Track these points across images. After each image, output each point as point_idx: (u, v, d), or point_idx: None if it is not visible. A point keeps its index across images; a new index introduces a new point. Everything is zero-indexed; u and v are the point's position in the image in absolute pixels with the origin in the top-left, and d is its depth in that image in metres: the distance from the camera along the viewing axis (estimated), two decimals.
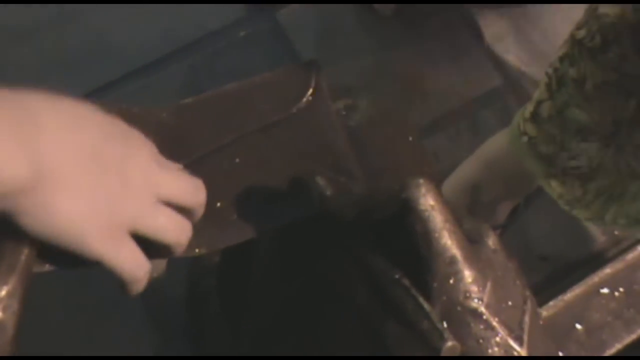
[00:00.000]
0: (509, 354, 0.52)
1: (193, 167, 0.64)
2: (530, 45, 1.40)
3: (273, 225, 0.64)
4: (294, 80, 0.68)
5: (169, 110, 0.66)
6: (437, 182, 0.58)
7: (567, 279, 0.79)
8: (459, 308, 0.52)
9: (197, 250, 0.61)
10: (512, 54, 1.40)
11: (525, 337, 0.53)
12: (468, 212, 0.94)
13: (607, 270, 0.79)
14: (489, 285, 0.53)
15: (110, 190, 0.51)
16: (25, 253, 0.51)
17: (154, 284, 0.56)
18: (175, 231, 0.56)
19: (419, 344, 0.52)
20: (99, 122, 0.54)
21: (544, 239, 1.23)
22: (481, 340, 0.51)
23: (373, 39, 1.36)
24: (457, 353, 0.51)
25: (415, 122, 0.95)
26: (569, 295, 0.78)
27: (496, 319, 0.52)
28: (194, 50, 1.32)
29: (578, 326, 0.76)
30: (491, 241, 0.58)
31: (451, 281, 0.52)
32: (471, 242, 0.56)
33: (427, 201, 0.54)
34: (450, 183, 1.02)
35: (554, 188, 0.77)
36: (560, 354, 0.73)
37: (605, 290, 0.78)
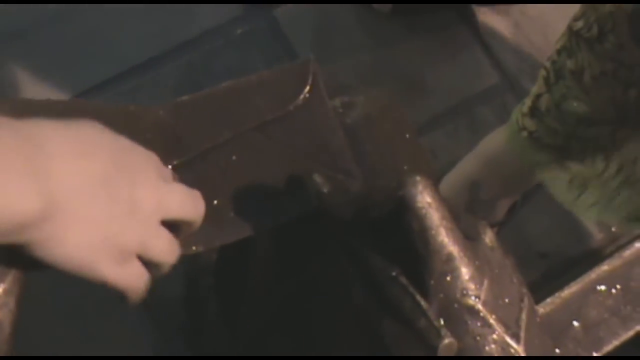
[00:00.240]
0: (506, 352, 0.52)
1: (190, 164, 0.64)
2: (528, 43, 1.40)
3: (270, 223, 0.64)
4: (291, 78, 0.68)
5: (165, 108, 0.66)
6: (434, 179, 0.58)
7: (565, 276, 0.79)
8: (456, 305, 0.52)
9: (194, 248, 0.61)
10: (510, 52, 1.40)
11: (522, 334, 0.53)
12: (466, 209, 0.94)
13: (605, 267, 0.78)
14: (486, 282, 0.53)
15: (120, 218, 0.52)
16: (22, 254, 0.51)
17: (151, 283, 0.57)
18: (168, 252, 0.57)
19: (416, 341, 0.52)
20: (106, 146, 0.53)
21: (541, 236, 1.23)
22: (478, 338, 0.51)
23: (370, 36, 1.37)
24: (454, 351, 0.51)
25: (413, 119, 0.94)
26: (566, 292, 0.77)
27: (493, 316, 0.52)
28: (190, 48, 1.32)
29: (575, 323, 0.76)
30: (488, 238, 0.58)
31: (448, 278, 0.52)
32: (468, 239, 0.56)
33: (424, 199, 0.54)
34: (449, 180, 1.02)
35: (570, 169, 0.77)
36: (557, 351, 0.73)
37: (602, 287, 0.77)
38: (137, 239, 0.53)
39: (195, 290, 0.89)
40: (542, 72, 0.77)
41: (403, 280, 0.54)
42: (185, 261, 0.60)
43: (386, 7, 1.36)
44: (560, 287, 0.79)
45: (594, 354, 0.74)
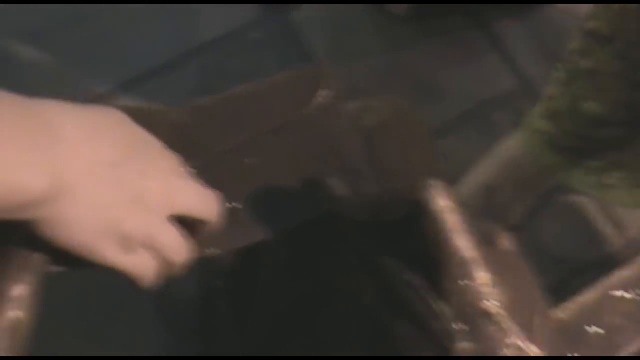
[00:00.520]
0: (521, 356, 0.51)
1: (205, 167, 0.64)
2: (544, 47, 1.40)
3: (284, 226, 0.64)
4: (306, 81, 0.68)
5: (182, 111, 0.66)
6: (450, 183, 0.57)
7: (581, 280, 0.79)
8: (471, 309, 0.52)
9: (209, 250, 0.61)
10: (526, 56, 1.39)
11: (538, 339, 0.53)
12: (481, 213, 0.94)
13: (622, 272, 0.78)
14: (501, 286, 0.53)
15: (124, 204, 0.52)
16: (38, 252, 0.52)
17: (163, 278, 0.57)
18: (178, 249, 0.57)
19: (430, 344, 0.51)
20: (120, 133, 0.54)
21: (558, 240, 1.22)
22: (493, 342, 0.51)
23: (386, 40, 1.36)
24: (469, 354, 0.51)
25: (427, 123, 0.94)
26: (583, 297, 0.77)
27: (508, 320, 0.52)
28: (206, 51, 1.32)
29: (591, 328, 0.75)
30: (504, 242, 0.58)
31: (463, 282, 0.52)
32: (484, 243, 0.55)
33: (440, 202, 0.54)
34: (464, 184, 1.02)
35: (592, 167, 0.76)
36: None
37: (620, 293, 0.77)
38: (141, 228, 0.53)
39: (208, 292, 0.90)
40: (557, 74, 0.77)
41: (417, 283, 0.54)
42: (198, 263, 0.60)
43: (401, 11, 1.36)
44: (576, 292, 0.78)
45: None
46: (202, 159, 0.64)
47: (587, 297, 0.77)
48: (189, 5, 1.34)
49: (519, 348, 0.52)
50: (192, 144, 0.65)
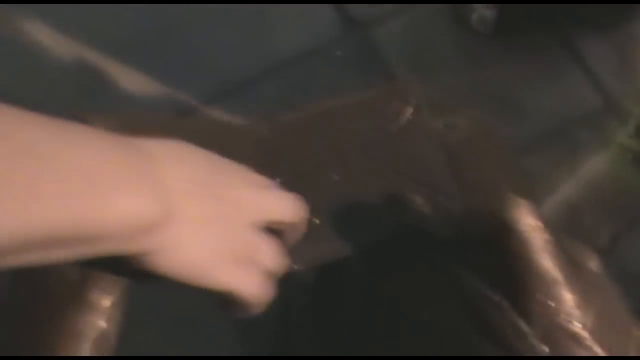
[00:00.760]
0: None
1: (291, 183, 0.64)
2: (631, 66, 1.37)
3: (367, 242, 0.64)
4: (393, 98, 0.68)
5: (267, 127, 0.67)
6: (534, 202, 0.57)
7: None
8: (559, 332, 0.51)
9: (295, 267, 0.62)
10: (612, 75, 1.37)
11: None
12: (568, 234, 0.92)
13: None
14: (591, 309, 0.52)
15: (229, 218, 0.52)
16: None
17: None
18: (277, 258, 0.56)
19: None
20: (200, 155, 0.54)
21: None
22: None
23: (469, 58, 1.36)
24: None
25: (511, 142, 0.93)
26: None
27: (599, 345, 0.51)
28: (289, 68, 1.34)
29: None
30: (594, 265, 0.57)
31: (552, 304, 0.51)
32: (571, 264, 0.54)
33: (528, 222, 0.53)
34: (550, 204, 1.00)
35: None
36: None
37: None
38: (248, 240, 0.53)
39: (287, 307, 0.90)
40: None
41: (504, 303, 0.53)
42: (281, 280, 0.60)
43: (486, 29, 1.35)
44: None
45: None
46: (285, 174, 0.64)
47: None
48: (270, 21, 1.36)
49: None
50: (276, 159, 0.65)
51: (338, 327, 0.78)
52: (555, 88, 1.35)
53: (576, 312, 0.51)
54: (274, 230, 0.57)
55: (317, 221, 0.63)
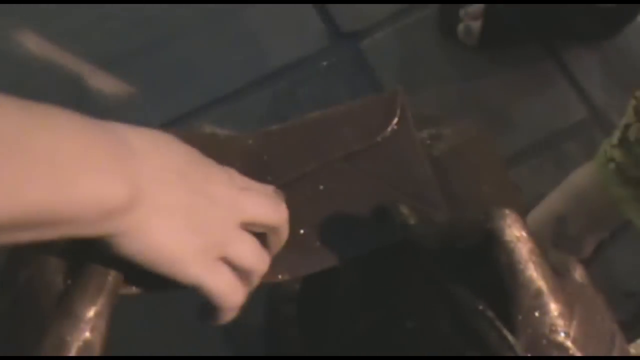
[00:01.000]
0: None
1: None
2: (617, 78, 1.38)
3: (355, 253, 0.64)
4: (379, 109, 0.68)
5: (254, 137, 0.67)
6: (521, 213, 0.57)
7: None
8: (544, 341, 0.51)
9: (280, 277, 0.62)
10: (598, 87, 1.38)
11: None
12: (553, 244, 0.92)
13: None
14: (576, 319, 0.52)
15: (201, 210, 0.52)
16: (112, 275, 0.52)
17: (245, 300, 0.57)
18: (256, 258, 0.57)
19: None
20: (179, 148, 0.55)
21: (630, 274, 1.20)
22: None
23: (456, 69, 1.36)
24: None
25: (499, 152, 0.94)
26: None
27: (583, 354, 0.51)
28: (277, 79, 1.34)
29: None
30: (578, 274, 0.57)
31: (537, 314, 0.51)
32: (557, 275, 0.55)
33: (513, 232, 0.53)
34: (535, 215, 1.01)
35: None
36: None
37: None
38: (220, 235, 0.53)
39: (277, 319, 0.90)
40: (632, 102, 0.76)
41: (490, 313, 0.53)
42: (267, 289, 0.60)
43: (473, 40, 1.35)
44: None
45: None
46: (274, 185, 0.64)
47: None
48: (260, 33, 1.36)
49: None
50: (265, 170, 0.65)
51: (324, 337, 0.78)
52: (541, 99, 1.36)
53: (560, 322, 0.51)
54: (257, 234, 0.57)
55: (302, 231, 0.63)
